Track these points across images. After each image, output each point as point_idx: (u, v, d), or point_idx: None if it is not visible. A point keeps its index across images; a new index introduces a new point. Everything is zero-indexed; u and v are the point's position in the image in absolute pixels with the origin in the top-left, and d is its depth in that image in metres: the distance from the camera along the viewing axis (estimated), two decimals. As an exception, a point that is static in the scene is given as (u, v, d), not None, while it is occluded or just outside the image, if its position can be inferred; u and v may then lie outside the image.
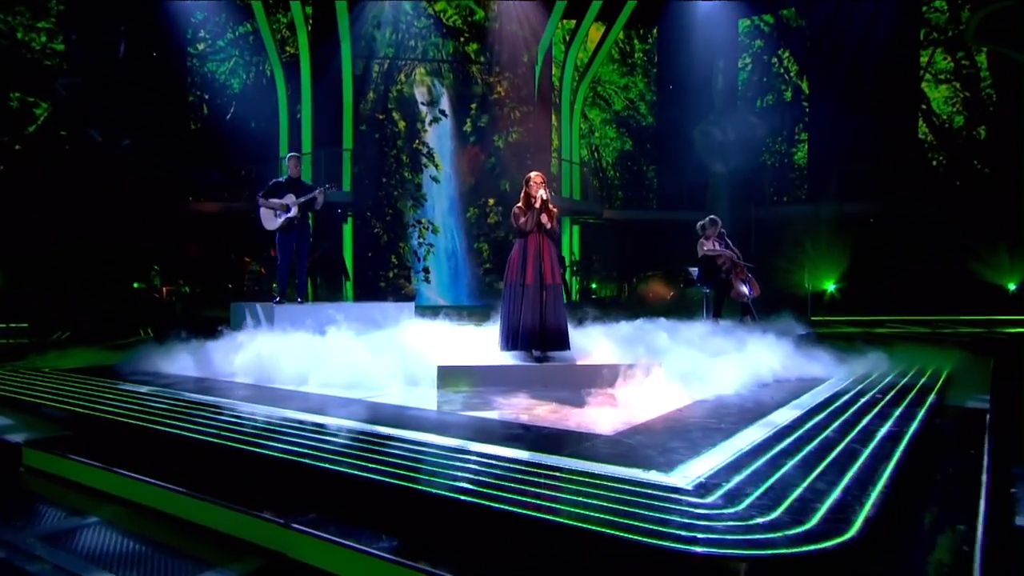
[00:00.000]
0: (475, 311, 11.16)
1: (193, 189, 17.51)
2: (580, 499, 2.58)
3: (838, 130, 17.61)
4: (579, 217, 19.06)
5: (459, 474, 2.92)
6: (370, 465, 3.05)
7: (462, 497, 2.62)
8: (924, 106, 17.57)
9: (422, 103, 17.01)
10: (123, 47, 16.59)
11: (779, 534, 2.24)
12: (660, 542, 2.19)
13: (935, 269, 15.01)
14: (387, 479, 2.86)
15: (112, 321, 11.53)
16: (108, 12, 16.10)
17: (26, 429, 4.17)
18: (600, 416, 4.31)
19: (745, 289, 8.13)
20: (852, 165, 16.96)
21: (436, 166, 17.18)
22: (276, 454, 3.29)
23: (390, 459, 3.18)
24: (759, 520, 2.36)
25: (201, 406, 4.54)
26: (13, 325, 11.00)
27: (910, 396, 4.84)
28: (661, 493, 2.67)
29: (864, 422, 3.97)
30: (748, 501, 2.55)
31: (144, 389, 5.20)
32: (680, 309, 10.47)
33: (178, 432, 3.80)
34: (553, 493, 2.68)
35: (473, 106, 17.08)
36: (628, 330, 6.72)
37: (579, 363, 5.63)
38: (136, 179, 15.63)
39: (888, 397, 4.80)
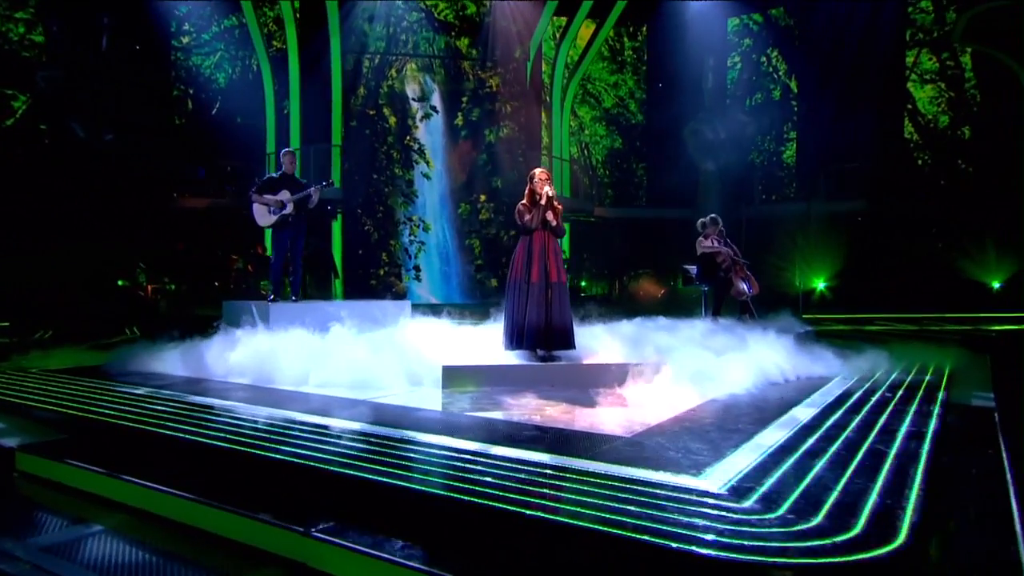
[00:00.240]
0: (467, 309, 11.05)
1: (178, 185, 17.18)
2: (612, 504, 2.50)
3: (826, 129, 17.73)
4: (569, 215, 19.00)
5: (483, 479, 2.82)
6: (389, 470, 2.93)
7: (491, 503, 2.53)
8: (910, 106, 17.74)
9: (413, 99, 16.84)
10: (105, 40, 16.23)
11: (826, 541, 2.17)
12: (705, 550, 2.11)
13: (921, 267, 15.20)
14: (411, 484, 2.75)
15: (96, 320, 11.29)
16: (90, 3, 15.73)
17: (19, 433, 4.01)
18: (613, 417, 4.23)
19: (744, 287, 8.11)
20: (840, 164, 17.08)
21: (427, 163, 17.02)
22: (288, 458, 3.17)
23: (409, 463, 3.07)
24: (802, 526, 2.29)
25: (202, 408, 4.40)
26: (-7, 324, 10.72)
27: (919, 394, 4.84)
28: (695, 498, 2.59)
29: (882, 421, 3.94)
30: (786, 506, 2.48)
31: (141, 390, 5.03)
32: (672, 307, 10.45)
33: (182, 436, 3.66)
34: (583, 499, 2.59)
35: (464, 99, 16.94)
36: (629, 328, 6.66)
37: (586, 362, 5.55)
38: (120, 175, 15.29)
39: (898, 395, 4.79)
